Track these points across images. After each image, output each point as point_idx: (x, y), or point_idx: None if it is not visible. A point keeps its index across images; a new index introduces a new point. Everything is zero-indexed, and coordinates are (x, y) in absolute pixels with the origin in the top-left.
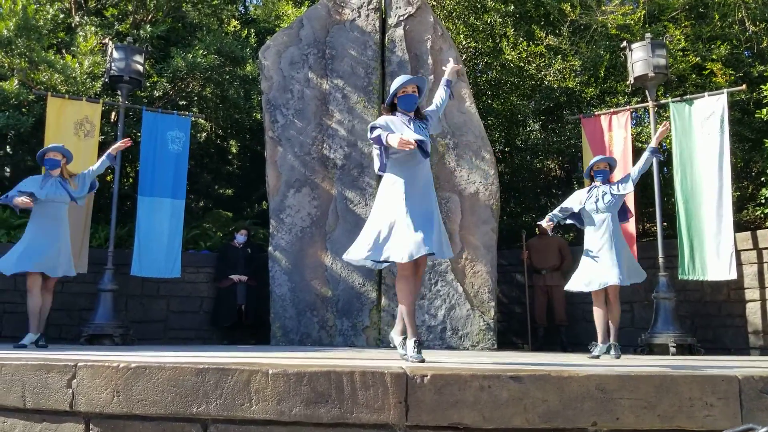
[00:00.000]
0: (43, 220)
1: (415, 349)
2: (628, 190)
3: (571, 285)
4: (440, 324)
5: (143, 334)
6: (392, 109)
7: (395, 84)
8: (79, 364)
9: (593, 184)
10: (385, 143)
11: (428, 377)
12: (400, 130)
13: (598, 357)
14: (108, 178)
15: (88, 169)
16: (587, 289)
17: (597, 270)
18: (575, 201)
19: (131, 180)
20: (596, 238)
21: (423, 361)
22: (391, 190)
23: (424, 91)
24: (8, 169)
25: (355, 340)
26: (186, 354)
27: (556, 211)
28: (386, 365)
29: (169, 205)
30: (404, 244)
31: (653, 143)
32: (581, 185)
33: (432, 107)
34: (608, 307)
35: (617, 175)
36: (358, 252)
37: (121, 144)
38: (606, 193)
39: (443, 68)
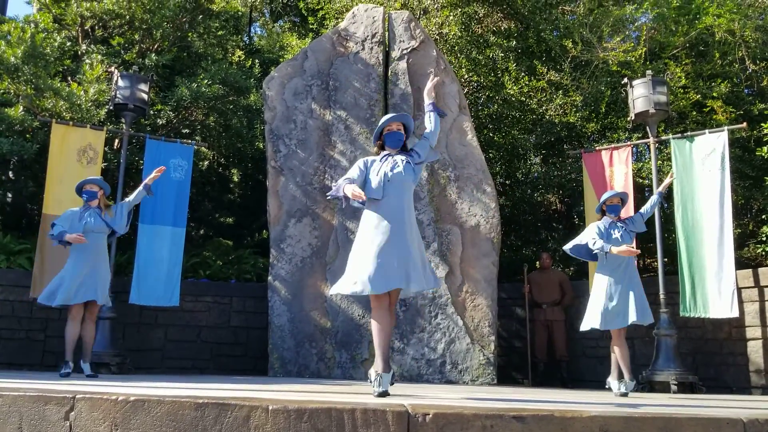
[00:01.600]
0: (82, 251)
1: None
2: (642, 229)
3: (585, 324)
4: (440, 358)
5: (140, 362)
6: (382, 147)
7: (380, 122)
8: (77, 396)
9: (608, 218)
10: (342, 194)
11: (430, 416)
12: (362, 175)
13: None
14: None
15: (125, 200)
16: (605, 327)
17: (616, 308)
18: (590, 237)
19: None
20: (615, 274)
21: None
22: (365, 225)
23: (410, 128)
24: (10, 195)
25: (354, 373)
26: (185, 386)
27: (568, 247)
28: (387, 402)
29: (170, 232)
30: (378, 277)
31: (661, 188)
32: (581, 219)
33: (422, 139)
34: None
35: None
36: (344, 286)
37: (155, 174)
38: (623, 230)
39: (444, 102)
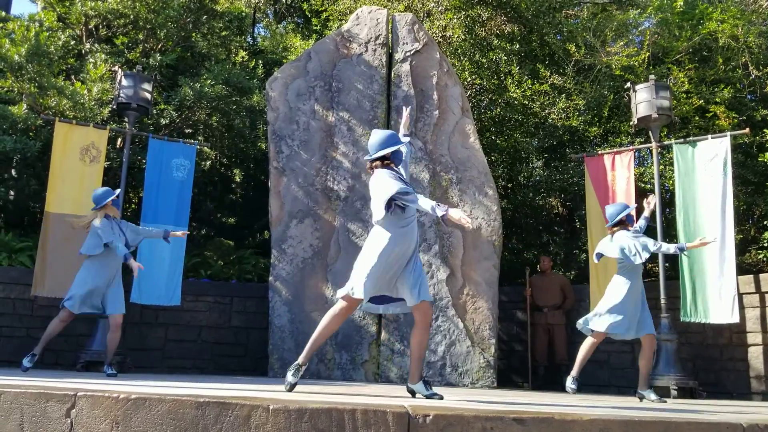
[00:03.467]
0: (106, 262)
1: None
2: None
3: (602, 326)
4: (440, 360)
5: (140, 362)
6: (382, 162)
7: (388, 142)
8: (78, 394)
9: (633, 229)
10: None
11: (431, 417)
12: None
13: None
14: None
15: (145, 228)
16: (627, 336)
17: (632, 319)
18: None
19: (134, 206)
20: (634, 286)
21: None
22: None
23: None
24: (12, 193)
25: (354, 374)
26: (186, 385)
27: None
28: (388, 403)
29: None
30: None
31: (647, 213)
32: (583, 223)
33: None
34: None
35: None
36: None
37: (180, 233)
38: (643, 244)
39: (447, 104)
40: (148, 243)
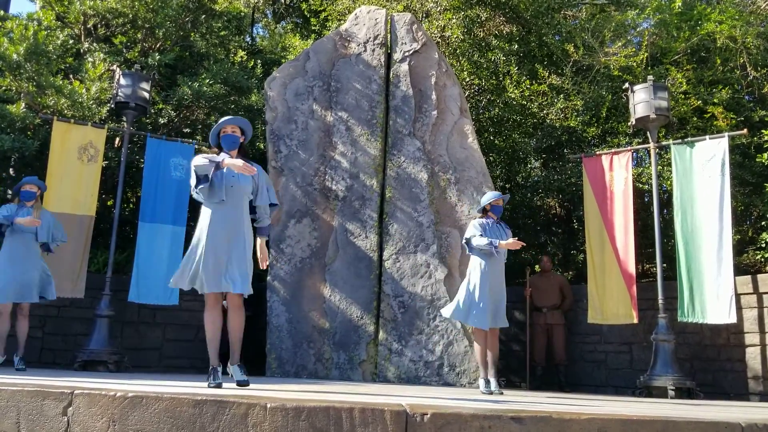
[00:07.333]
0: (14, 248)
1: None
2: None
3: (448, 312)
4: (438, 360)
5: (138, 361)
6: (220, 148)
7: (219, 123)
8: (75, 392)
9: (489, 217)
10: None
11: (428, 416)
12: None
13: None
14: (109, 203)
15: (53, 220)
16: (475, 324)
17: (487, 308)
18: (477, 231)
19: (132, 206)
20: (492, 272)
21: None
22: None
23: (247, 133)
24: (10, 192)
25: (351, 374)
26: (183, 384)
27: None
28: (386, 402)
29: (170, 231)
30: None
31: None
32: (581, 223)
33: (265, 192)
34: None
35: (617, 218)
36: (178, 281)
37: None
38: (504, 232)
39: (446, 104)
40: (147, 242)
